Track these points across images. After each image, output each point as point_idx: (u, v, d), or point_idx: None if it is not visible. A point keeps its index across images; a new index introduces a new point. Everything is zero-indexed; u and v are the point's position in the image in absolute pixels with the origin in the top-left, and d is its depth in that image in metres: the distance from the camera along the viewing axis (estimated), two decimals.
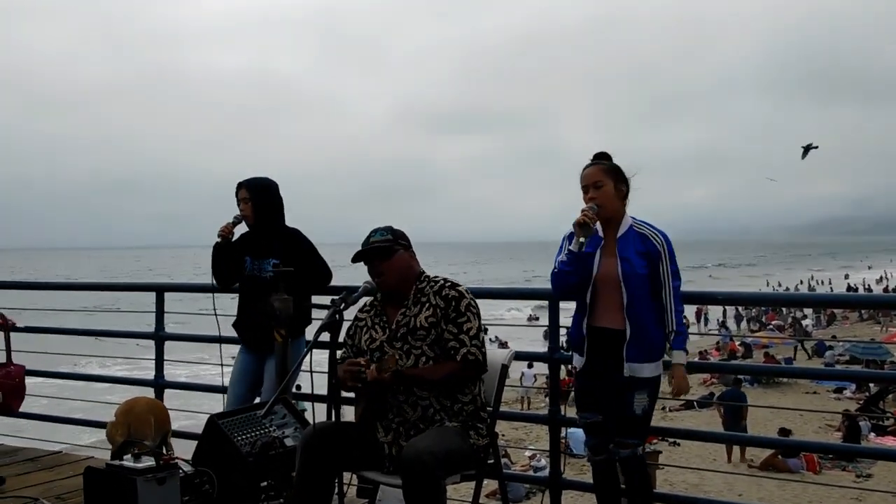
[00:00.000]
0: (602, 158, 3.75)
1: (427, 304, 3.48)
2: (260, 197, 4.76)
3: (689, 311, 42.34)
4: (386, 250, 3.48)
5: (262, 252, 4.74)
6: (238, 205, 4.80)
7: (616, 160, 3.77)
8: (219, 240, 4.78)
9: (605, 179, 3.67)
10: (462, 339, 3.41)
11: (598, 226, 3.72)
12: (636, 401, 3.64)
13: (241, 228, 4.89)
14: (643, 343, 3.60)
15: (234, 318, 4.93)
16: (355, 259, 3.51)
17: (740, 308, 44.19)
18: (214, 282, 4.92)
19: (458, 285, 3.53)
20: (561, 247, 3.72)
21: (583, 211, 3.60)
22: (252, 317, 4.72)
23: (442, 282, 3.54)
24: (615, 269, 3.62)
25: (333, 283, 4.84)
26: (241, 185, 4.80)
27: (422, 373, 3.41)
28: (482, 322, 3.54)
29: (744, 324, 44.92)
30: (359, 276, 3.80)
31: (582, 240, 3.55)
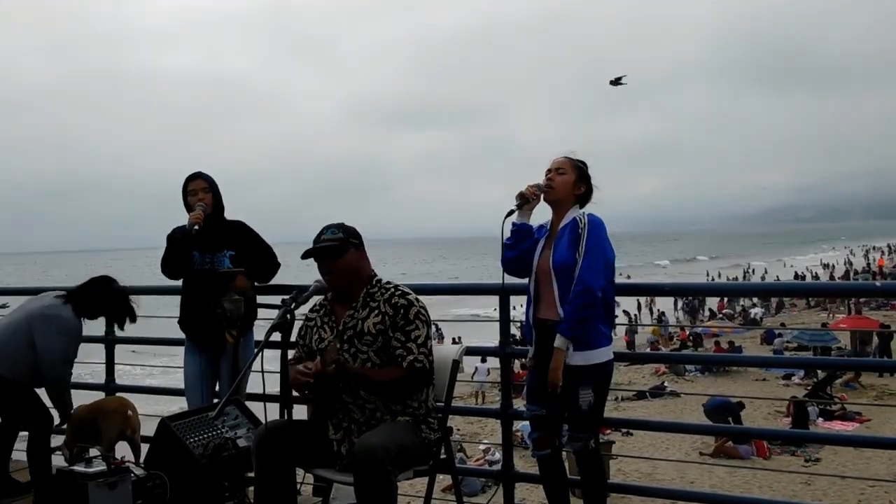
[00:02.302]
0: (581, 163, 3.87)
1: (376, 311, 3.46)
2: (215, 188, 4.70)
3: (631, 302, 42.88)
4: (335, 250, 3.45)
5: (215, 245, 4.64)
6: (188, 198, 4.66)
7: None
8: (196, 228, 4.51)
9: (570, 171, 3.81)
10: (409, 347, 3.40)
11: (549, 219, 3.83)
12: (581, 396, 3.66)
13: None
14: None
15: (179, 316, 4.81)
16: (304, 256, 3.50)
17: (693, 300, 44.59)
18: (165, 274, 4.77)
19: (409, 293, 3.51)
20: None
21: (529, 185, 3.78)
22: (205, 314, 4.59)
23: (392, 289, 3.51)
24: (549, 260, 3.70)
25: (284, 282, 4.82)
26: (196, 177, 4.69)
27: (367, 372, 3.41)
28: (431, 327, 3.55)
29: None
30: (309, 275, 3.80)
31: (516, 208, 3.77)
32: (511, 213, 3.81)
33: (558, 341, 3.60)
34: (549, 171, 3.83)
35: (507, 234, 3.83)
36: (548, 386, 3.65)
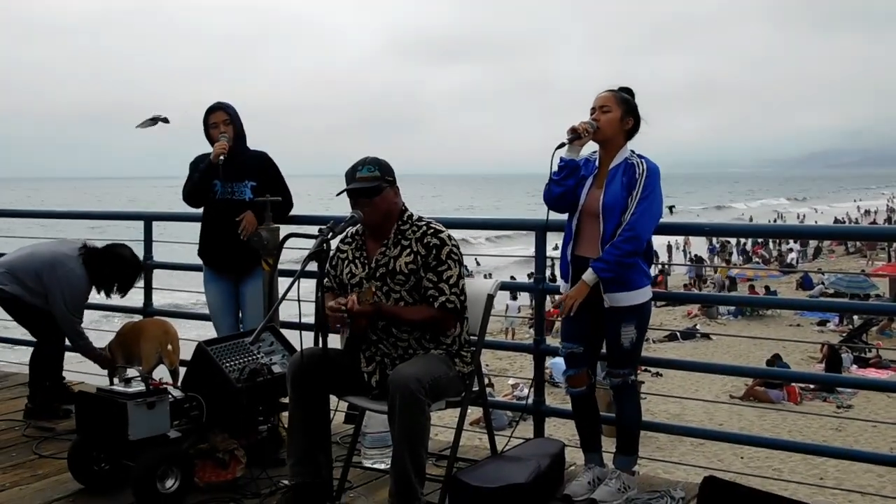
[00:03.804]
0: (626, 91, 3.78)
1: (408, 249, 3.45)
2: (237, 119, 4.73)
3: (660, 244, 42.36)
4: (371, 190, 3.43)
5: (236, 175, 4.69)
6: (210, 130, 4.72)
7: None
8: (221, 158, 4.56)
9: (615, 107, 3.69)
10: (441, 288, 3.40)
11: (596, 156, 3.76)
12: (623, 333, 3.66)
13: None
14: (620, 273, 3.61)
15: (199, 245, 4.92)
16: (340, 193, 3.50)
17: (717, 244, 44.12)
18: (187, 202, 4.86)
19: (441, 231, 3.48)
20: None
21: (583, 121, 3.67)
22: (225, 243, 4.70)
23: (424, 227, 3.49)
24: (599, 199, 3.64)
25: (316, 213, 4.85)
26: (217, 108, 4.73)
27: (401, 311, 3.42)
28: (464, 265, 3.54)
29: (734, 258, 44.92)
30: (338, 206, 3.78)
31: (567, 142, 3.64)
32: (562, 145, 3.69)
33: (589, 276, 3.57)
34: (593, 109, 3.73)
35: (555, 167, 3.75)
36: (560, 306, 3.67)
